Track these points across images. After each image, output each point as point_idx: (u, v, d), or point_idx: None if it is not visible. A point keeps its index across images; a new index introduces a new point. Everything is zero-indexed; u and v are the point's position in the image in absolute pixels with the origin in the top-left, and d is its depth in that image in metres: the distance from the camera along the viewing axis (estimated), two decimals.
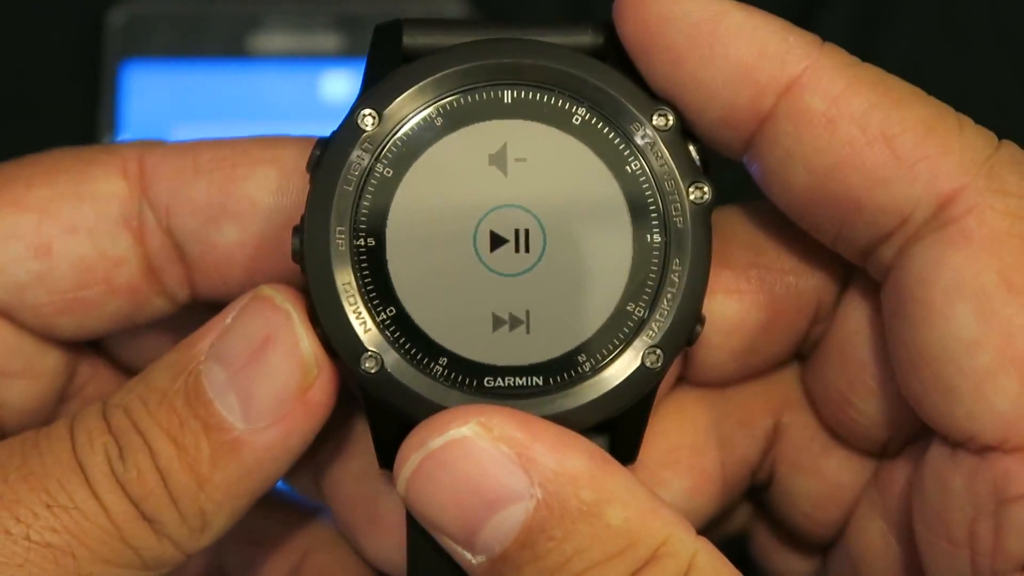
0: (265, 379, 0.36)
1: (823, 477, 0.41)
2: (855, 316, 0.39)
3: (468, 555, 0.34)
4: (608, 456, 0.35)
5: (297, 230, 0.36)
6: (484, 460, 0.34)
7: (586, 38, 0.37)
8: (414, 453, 0.35)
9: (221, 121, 0.63)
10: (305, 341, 0.36)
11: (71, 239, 0.38)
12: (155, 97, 0.63)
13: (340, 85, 0.64)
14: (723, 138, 0.36)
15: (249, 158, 0.39)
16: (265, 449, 0.36)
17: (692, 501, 0.41)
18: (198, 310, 0.40)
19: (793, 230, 0.38)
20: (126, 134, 0.63)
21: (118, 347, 0.42)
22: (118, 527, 0.35)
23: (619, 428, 0.37)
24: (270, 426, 0.36)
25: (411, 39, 0.36)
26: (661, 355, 0.36)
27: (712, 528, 0.43)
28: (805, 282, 0.39)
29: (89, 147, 0.40)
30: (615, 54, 0.36)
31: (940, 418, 0.35)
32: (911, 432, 0.39)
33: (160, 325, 0.41)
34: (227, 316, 0.37)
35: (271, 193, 0.38)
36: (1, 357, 0.39)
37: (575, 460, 0.34)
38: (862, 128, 0.35)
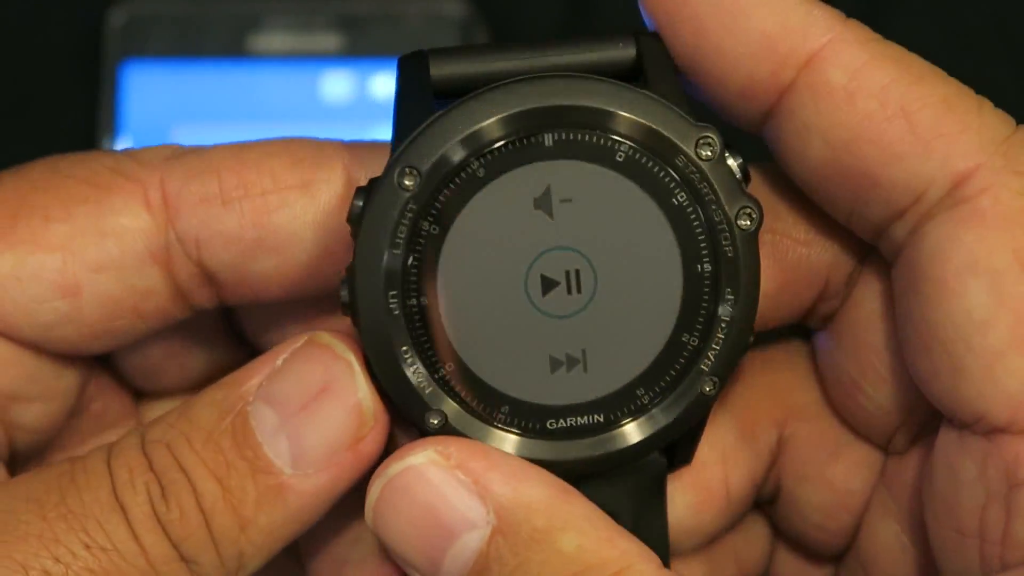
0: (319, 427, 0.36)
1: (831, 486, 0.41)
2: (869, 300, 0.39)
3: None
4: (569, 488, 0.35)
5: (346, 282, 0.36)
6: (441, 487, 0.34)
7: (618, 52, 0.36)
8: (377, 481, 0.35)
9: (221, 121, 0.63)
10: (364, 392, 0.36)
11: (98, 278, 0.37)
12: (155, 97, 0.63)
13: (340, 85, 0.64)
14: (743, 110, 0.36)
15: (279, 183, 0.38)
16: (312, 495, 0.36)
17: (697, 517, 0.41)
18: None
19: (811, 201, 0.38)
20: (126, 134, 0.63)
21: (122, 354, 0.42)
22: (155, 569, 0.35)
23: (676, 444, 0.38)
24: (319, 472, 0.36)
25: (439, 70, 0.36)
26: (717, 381, 0.36)
27: (717, 542, 0.43)
28: (818, 256, 0.39)
29: (98, 162, 0.38)
30: (650, 66, 0.36)
31: (949, 399, 0.35)
32: (920, 422, 0.39)
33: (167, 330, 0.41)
34: (278, 357, 0.36)
35: (308, 226, 0.37)
36: (21, 384, 0.39)
37: (531, 489, 0.34)
38: (881, 103, 0.35)
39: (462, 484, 0.34)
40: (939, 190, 0.35)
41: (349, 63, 0.64)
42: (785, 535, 0.43)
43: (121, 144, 0.63)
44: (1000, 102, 0.36)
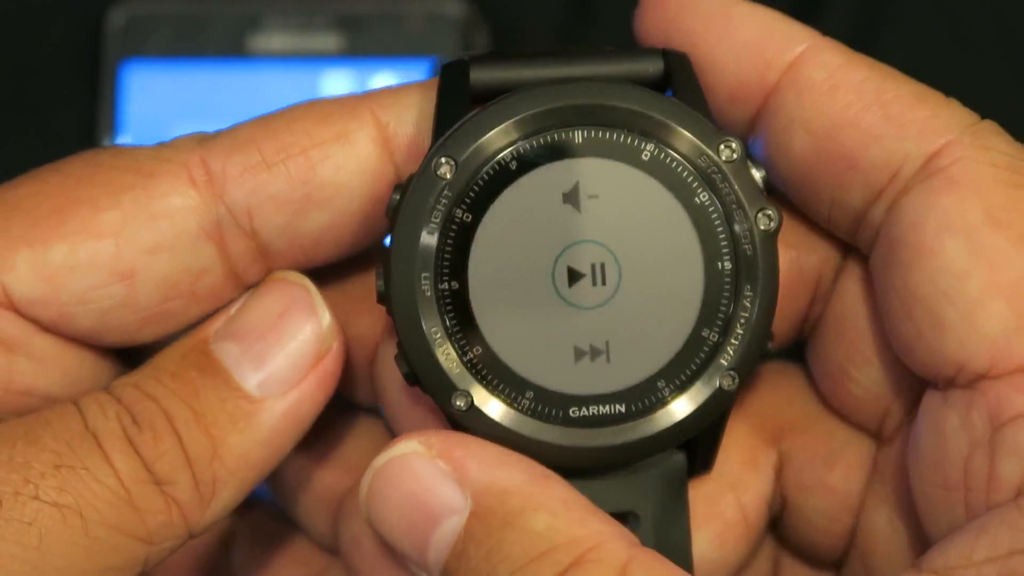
0: (282, 349, 0.38)
1: (832, 490, 0.42)
2: (851, 289, 0.40)
3: None
4: (548, 472, 0.36)
5: (381, 273, 0.37)
6: (424, 475, 0.36)
7: (648, 67, 0.38)
8: (367, 473, 0.36)
9: (221, 121, 0.63)
10: (323, 310, 0.38)
11: (153, 259, 0.38)
12: (155, 97, 0.63)
13: (340, 85, 0.64)
14: (732, 114, 0.39)
15: (315, 139, 0.38)
16: (281, 417, 0.37)
17: (720, 549, 0.42)
18: None
19: (793, 206, 0.40)
20: (126, 134, 0.63)
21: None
22: (127, 489, 0.35)
23: (696, 443, 0.39)
24: (286, 393, 0.37)
25: (478, 77, 0.38)
26: (736, 376, 0.37)
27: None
28: (807, 257, 0.40)
29: (136, 151, 0.39)
30: (677, 79, 0.38)
31: (932, 357, 0.36)
32: (906, 404, 0.40)
33: None
34: (233, 306, 0.38)
35: (352, 174, 0.38)
36: (69, 384, 0.39)
37: (507, 473, 0.36)
38: (859, 94, 0.38)
39: (442, 472, 0.36)
40: (913, 165, 0.37)
41: (349, 63, 0.64)
42: (790, 545, 0.44)
43: (121, 143, 0.63)
44: (1000, 102, 0.37)
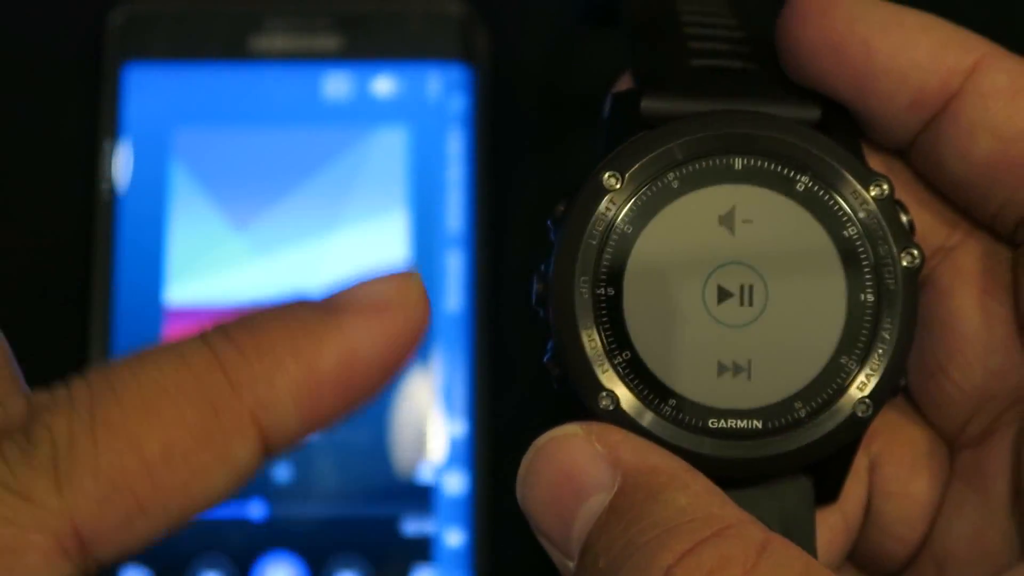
0: None
1: (914, 499, 0.43)
2: (963, 291, 0.41)
3: (569, 564, 0.37)
4: (693, 467, 0.37)
5: (540, 277, 0.39)
6: (578, 454, 0.37)
7: (808, 112, 0.41)
8: (528, 453, 0.38)
9: (222, 122, 0.63)
10: None
11: None
12: (155, 98, 0.63)
13: (341, 86, 0.64)
14: (906, 121, 0.40)
15: (193, 465, 0.34)
16: None
17: (827, 557, 0.42)
18: None
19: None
20: (127, 135, 0.63)
21: None
22: None
23: (825, 470, 0.40)
24: None
25: (649, 105, 0.40)
26: (871, 405, 0.39)
27: None
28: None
29: None
30: (834, 124, 0.40)
31: None
32: (998, 408, 0.41)
33: None
34: None
35: (224, 492, 0.34)
36: None
37: (657, 458, 0.37)
38: None
39: (597, 453, 0.37)
40: None
41: (350, 64, 0.64)
42: (859, 552, 0.44)
43: (122, 146, 0.63)
44: None
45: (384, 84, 0.64)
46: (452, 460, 0.61)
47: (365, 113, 0.63)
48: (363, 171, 0.63)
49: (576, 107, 0.64)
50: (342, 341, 0.34)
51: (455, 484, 0.61)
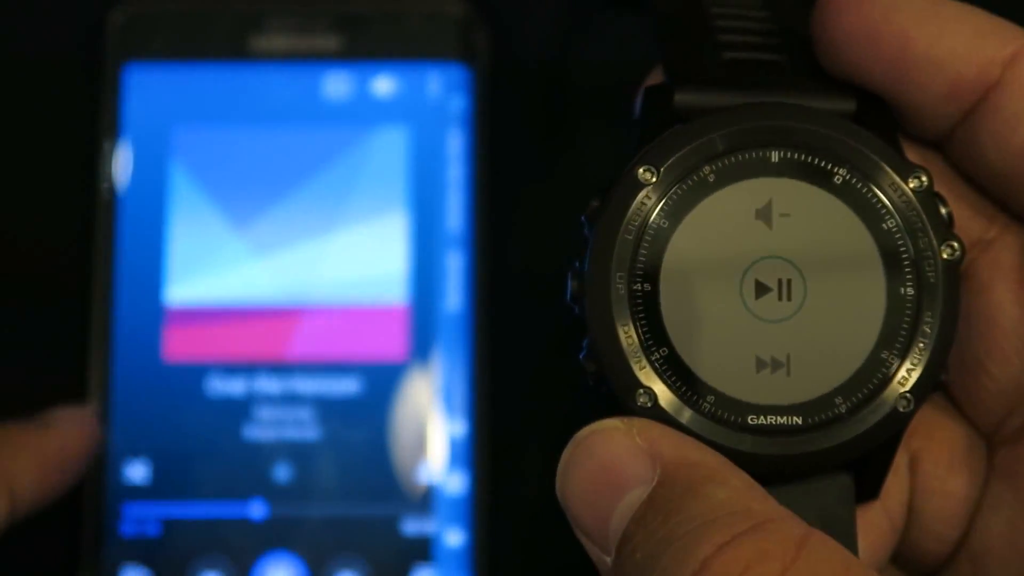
0: None
1: (953, 496, 0.42)
2: (1001, 285, 0.41)
3: (607, 559, 0.37)
4: (733, 464, 0.37)
5: (575, 274, 0.39)
6: (619, 448, 0.37)
7: (844, 103, 0.40)
8: (568, 446, 0.38)
9: (222, 122, 0.63)
10: None
11: None
12: (155, 98, 0.63)
13: (341, 86, 0.64)
14: (944, 112, 0.40)
15: None
16: None
17: (873, 557, 0.42)
18: None
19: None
20: (127, 136, 0.63)
21: None
22: None
23: (865, 466, 0.40)
24: None
25: (682, 98, 0.40)
26: (912, 400, 0.39)
27: None
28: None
29: None
30: (870, 117, 0.40)
31: None
32: None
33: None
34: None
35: None
36: None
37: (697, 453, 0.37)
38: None
39: (638, 447, 0.37)
40: None
41: (351, 64, 0.64)
42: (897, 550, 0.44)
43: (122, 146, 0.63)
44: None
45: (384, 84, 0.64)
46: (452, 460, 0.61)
47: (365, 113, 0.63)
48: (363, 171, 0.63)
49: (576, 107, 0.64)
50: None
51: (455, 484, 0.61)
